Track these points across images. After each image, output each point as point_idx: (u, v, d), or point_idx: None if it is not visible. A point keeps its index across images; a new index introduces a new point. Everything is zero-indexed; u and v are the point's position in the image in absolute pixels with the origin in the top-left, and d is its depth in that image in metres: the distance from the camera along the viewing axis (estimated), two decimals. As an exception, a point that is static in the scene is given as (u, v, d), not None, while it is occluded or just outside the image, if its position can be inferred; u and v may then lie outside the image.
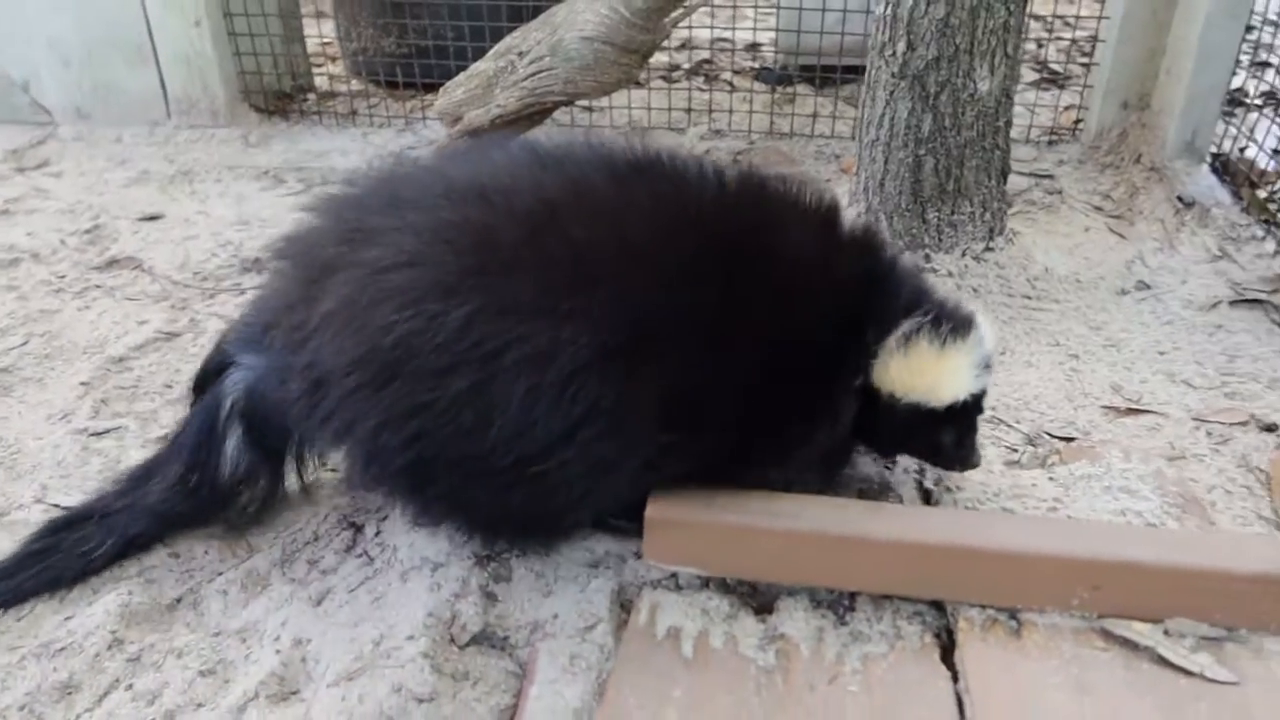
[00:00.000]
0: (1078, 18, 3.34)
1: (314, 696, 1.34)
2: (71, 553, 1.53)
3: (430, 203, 1.34)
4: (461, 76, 2.95)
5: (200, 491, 1.55)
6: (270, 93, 3.70)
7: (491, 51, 2.92)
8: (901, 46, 2.16)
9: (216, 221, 2.89)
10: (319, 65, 4.09)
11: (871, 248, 1.46)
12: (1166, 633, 1.20)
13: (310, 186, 3.14)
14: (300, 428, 1.47)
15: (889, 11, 2.16)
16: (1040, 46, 4.17)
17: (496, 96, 2.89)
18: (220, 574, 1.60)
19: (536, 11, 3.03)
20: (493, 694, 1.32)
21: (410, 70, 3.63)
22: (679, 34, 3.95)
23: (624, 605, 1.40)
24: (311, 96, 3.86)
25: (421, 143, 3.45)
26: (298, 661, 1.41)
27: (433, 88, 3.35)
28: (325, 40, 4.22)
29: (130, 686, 1.39)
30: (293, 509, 1.72)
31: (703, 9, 3.56)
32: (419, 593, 1.44)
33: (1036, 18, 4.38)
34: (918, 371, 1.34)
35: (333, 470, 1.77)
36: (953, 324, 1.37)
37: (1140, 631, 1.20)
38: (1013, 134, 3.28)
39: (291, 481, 1.67)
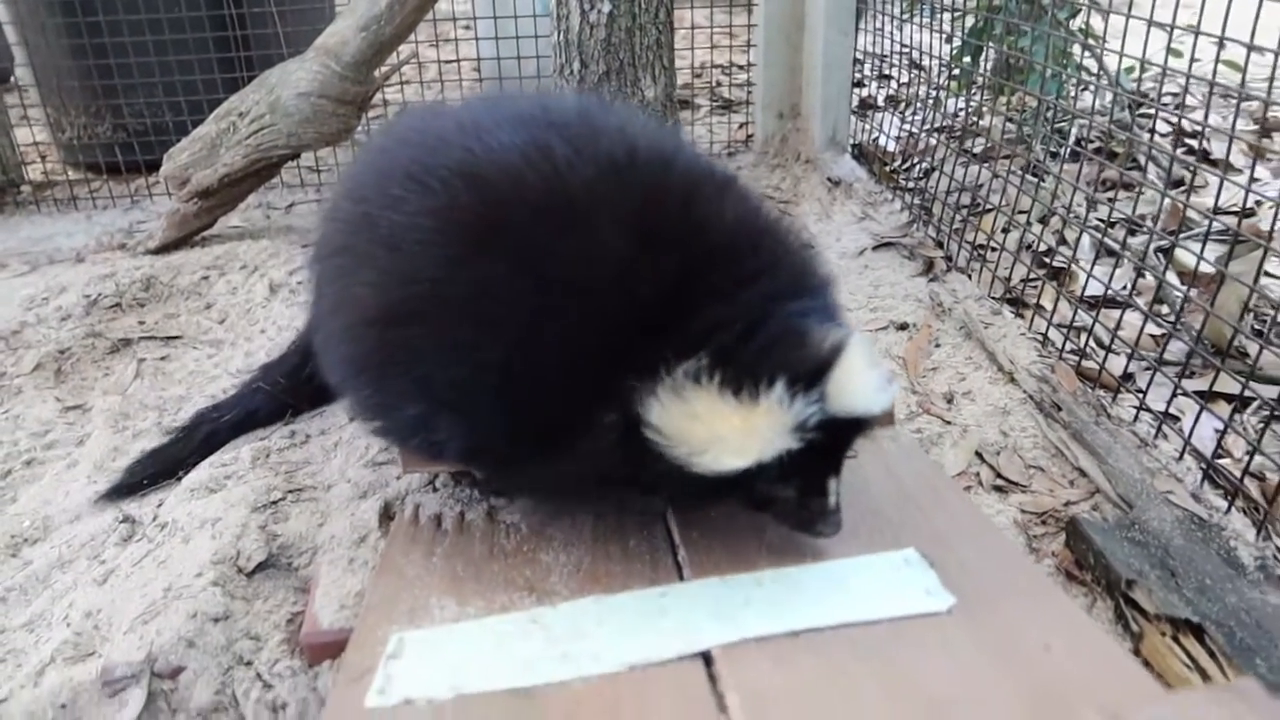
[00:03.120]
0: (730, 49, 3.95)
1: (111, 647, 1.45)
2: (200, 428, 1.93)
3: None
4: (185, 141, 3.09)
5: (311, 384, 1.77)
6: (-22, 189, 3.63)
7: (212, 115, 3.09)
8: (576, 65, 2.57)
9: (-64, 308, 2.84)
10: (31, 162, 4.04)
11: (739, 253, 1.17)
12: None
13: (37, 267, 3.14)
14: None
15: (561, 38, 2.57)
16: (718, 85, 4.82)
17: (222, 156, 3.05)
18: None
19: (251, 81, 3.23)
20: (283, 606, 1.49)
21: (131, 150, 3.69)
22: (395, 101, 4.25)
23: (391, 517, 1.61)
24: (26, 189, 3.81)
25: (150, 216, 3.51)
26: (90, 629, 1.51)
27: (156, 166, 3.43)
28: (37, 140, 4.17)
29: (-87, 688, 1.44)
30: (66, 514, 1.81)
31: (416, 80, 3.89)
32: (203, 543, 1.58)
33: (717, 66, 5.05)
34: (691, 422, 1.04)
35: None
36: (759, 369, 1.04)
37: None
38: (699, 150, 3.84)
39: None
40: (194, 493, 1.76)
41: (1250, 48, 1.64)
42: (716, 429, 1.04)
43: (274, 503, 1.68)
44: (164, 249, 3.11)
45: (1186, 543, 1.56)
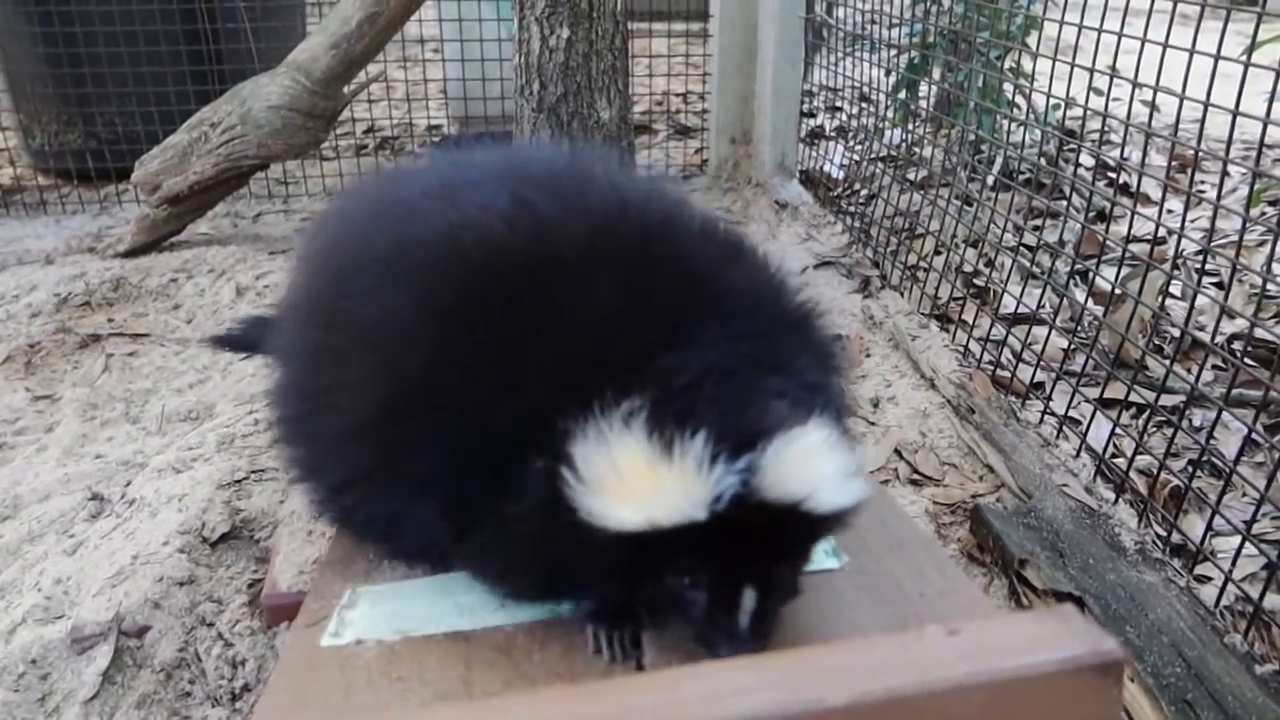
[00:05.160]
0: (687, 78, 4.14)
1: (80, 609, 1.55)
2: None
3: None
4: (156, 149, 3.19)
5: None
6: (-52, 191, 3.70)
7: (184, 124, 3.20)
8: (536, 86, 2.72)
9: (-94, 303, 2.91)
10: (1, 167, 4.11)
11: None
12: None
13: (6, 268, 3.21)
14: None
15: (522, 60, 2.72)
16: (677, 112, 5.01)
17: (193, 164, 3.16)
18: (-33, 555, 1.75)
19: (223, 94, 3.34)
20: (244, 573, 1.61)
21: (101, 158, 3.78)
22: (363, 119, 4.38)
23: (349, 495, 1.73)
24: (-6, 193, 3.88)
25: (119, 222, 3.60)
26: (60, 594, 1.61)
27: (126, 174, 3.53)
28: (8, 145, 4.23)
29: (-110, 649, 1.52)
30: (36, 493, 1.91)
31: (385, 99, 4.03)
32: (169, 516, 1.69)
33: (676, 94, 5.25)
34: (607, 467, 0.92)
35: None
36: (687, 421, 0.90)
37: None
38: (655, 172, 4.01)
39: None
40: (161, 473, 1.86)
41: (1156, 89, 1.82)
42: (625, 477, 0.91)
43: (238, 481, 1.79)
44: (133, 253, 3.20)
45: (1076, 528, 1.72)
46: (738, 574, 0.94)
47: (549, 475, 0.94)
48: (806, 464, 0.91)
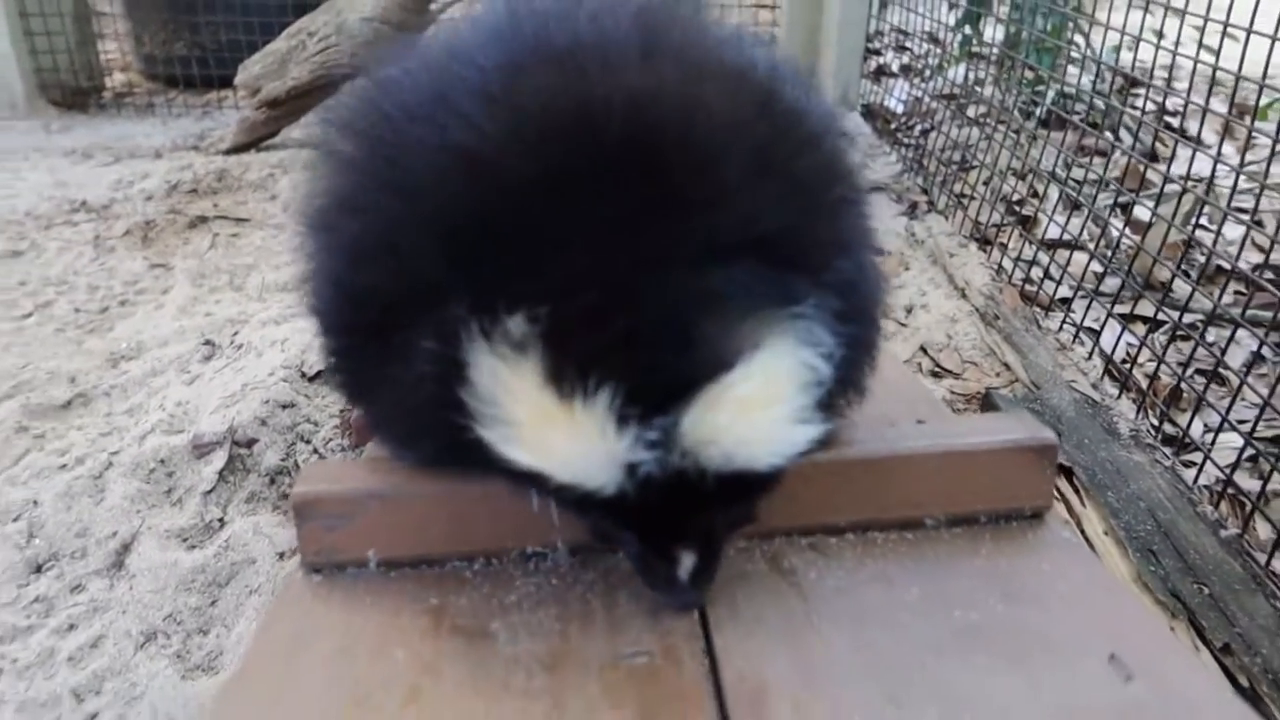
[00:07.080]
0: (757, 9, 4.28)
1: (198, 423, 1.82)
2: None
3: None
4: (258, 55, 3.45)
5: None
6: (67, 89, 4.02)
7: (284, 32, 3.45)
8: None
9: (35, 184, 3.22)
10: (113, 72, 4.42)
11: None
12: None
13: (119, 159, 3.52)
14: None
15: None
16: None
17: (291, 70, 3.41)
18: (103, 380, 2.04)
19: (320, 6, 3.58)
20: (337, 403, 1.86)
21: (205, 65, 4.07)
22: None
23: (427, 347, 1.97)
24: (108, 94, 4.20)
25: (220, 126, 3.88)
26: (181, 414, 1.88)
27: (227, 82, 3.81)
28: (110, 55, 4.54)
29: (41, 449, 1.82)
30: (156, 340, 2.19)
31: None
32: (273, 356, 1.95)
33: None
34: (505, 392, 0.75)
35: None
36: (590, 361, 0.70)
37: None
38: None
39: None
40: (264, 324, 2.13)
41: (1205, 18, 1.93)
42: (522, 419, 0.74)
43: (331, 332, 2.05)
44: (233, 150, 3.48)
45: (1077, 415, 1.89)
46: (669, 538, 0.81)
47: (438, 362, 0.77)
48: (735, 422, 0.73)
